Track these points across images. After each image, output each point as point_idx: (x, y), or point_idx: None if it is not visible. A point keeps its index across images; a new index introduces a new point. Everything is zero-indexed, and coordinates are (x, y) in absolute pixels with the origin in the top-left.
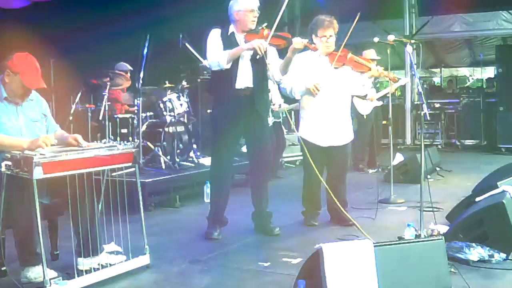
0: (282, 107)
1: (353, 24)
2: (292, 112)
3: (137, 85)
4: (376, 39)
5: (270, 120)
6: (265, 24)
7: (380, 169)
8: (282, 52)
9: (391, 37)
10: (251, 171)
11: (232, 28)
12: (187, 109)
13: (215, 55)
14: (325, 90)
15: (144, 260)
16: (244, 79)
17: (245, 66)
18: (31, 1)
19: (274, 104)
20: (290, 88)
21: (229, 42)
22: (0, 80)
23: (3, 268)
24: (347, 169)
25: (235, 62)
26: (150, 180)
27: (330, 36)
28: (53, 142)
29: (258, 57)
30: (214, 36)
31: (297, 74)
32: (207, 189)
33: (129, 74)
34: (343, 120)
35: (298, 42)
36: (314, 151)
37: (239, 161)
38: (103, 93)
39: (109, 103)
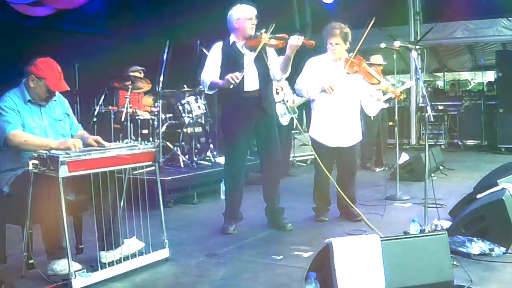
0: (295, 101)
1: (367, 30)
2: (304, 112)
3: (157, 88)
4: (383, 45)
5: (288, 117)
6: (263, 30)
7: (386, 168)
8: (281, 52)
9: (397, 43)
10: (262, 169)
11: (232, 38)
12: (204, 111)
13: (204, 76)
14: (336, 93)
15: (163, 253)
16: (252, 81)
17: (251, 70)
18: (55, 8)
19: (288, 101)
20: (306, 90)
21: (231, 51)
22: (24, 84)
23: (31, 261)
24: (356, 168)
25: (241, 67)
26: (169, 178)
27: (336, 44)
28: (81, 146)
29: (231, 86)
30: (213, 53)
31: (311, 76)
32: (223, 187)
33: (142, 74)
34: (352, 122)
35: (295, 39)
36: (323, 151)
37: (253, 160)
38: (125, 96)
39: (130, 105)
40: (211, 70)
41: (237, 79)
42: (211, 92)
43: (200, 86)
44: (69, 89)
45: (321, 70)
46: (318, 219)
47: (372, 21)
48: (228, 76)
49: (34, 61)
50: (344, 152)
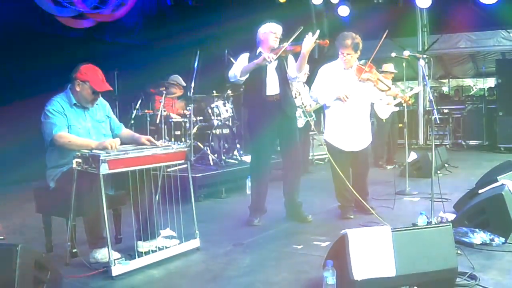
0: (312, 106)
1: (381, 41)
2: (322, 115)
3: (189, 94)
4: (393, 54)
5: (303, 120)
6: (286, 42)
7: (396, 166)
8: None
9: (406, 53)
10: (283, 167)
11: (259, 49)
12: (232, 114)
13: (233, 69)
14: (349, 100)
15: (194, 243)
16: (272, 86)
17: (271, 76)
18: (96, 21)
19: (306, 106)
20: (321, 97)
21: (256, 59)
22: (69, 89)
23: (74, 250)
24: (369, 167)
25: (263, 74)
26: (200, 175)
27: (347, 54)
28: (118, 145)
29: (267, 63)
30: (240, 59)
31: (325, 84)
32: (248, 183)
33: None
34: (364, 126)
35: (309, 37)
36: (338, 154)
37: (277, 158)
38: (160, 101)
39: (164, 109)
40: (238, 67)
41: (272, 58)
42: (243, 78)
43: (228, 91)
44: (111, 89)
45: (334, 78)
46: (343, 216)
47: (385, 34)
48: (264, 55)
49: (79, 68)
50: (357, 155)
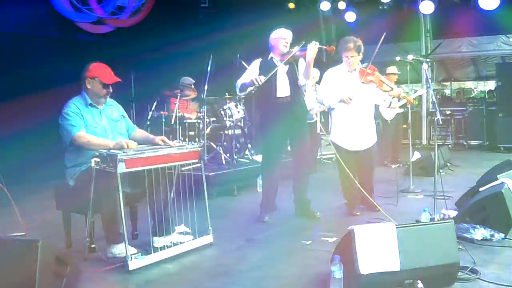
0: (315, 109)
1: (379, 43)
2: (329, 117)
3: (202, 96)
4: (397, 58)
5: None
6: (295, 46)
7: (401, 165)
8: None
9: (410, 56)
10: (293, 165)
11: (271, 54)
12: (243, 116)
13: (238, 81)
14: (353, 102)
15: (208, 239)
16: (283, 89)
17: (282, 79)
18: (115, 26)
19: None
20: (326, 99)
21: (267, 65)
22: (84, 90)
23: (93, 246)
24: (374, 166)
25: (274, 77)
26: (213, 173)
27: (351, 56)
28: (135, 146)
29: (253, 87)
30: (252, 67)
31: (330, 86)
32: (259, 181)
33: (193, 86)
34: (368, 127)
35: (311, 45)
36: (344, 153)
37: (286, 157)
38: (175, 103)
39: (179, 110)
40: (246, 78)
41: (260, 81)
42: (241, 94)
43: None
44: (120, 80)
45: (339, 81)
46: (350, 213)
47: (383, 37)
48: (253, 77)
49: (88, 67)
50: (362, 154)
